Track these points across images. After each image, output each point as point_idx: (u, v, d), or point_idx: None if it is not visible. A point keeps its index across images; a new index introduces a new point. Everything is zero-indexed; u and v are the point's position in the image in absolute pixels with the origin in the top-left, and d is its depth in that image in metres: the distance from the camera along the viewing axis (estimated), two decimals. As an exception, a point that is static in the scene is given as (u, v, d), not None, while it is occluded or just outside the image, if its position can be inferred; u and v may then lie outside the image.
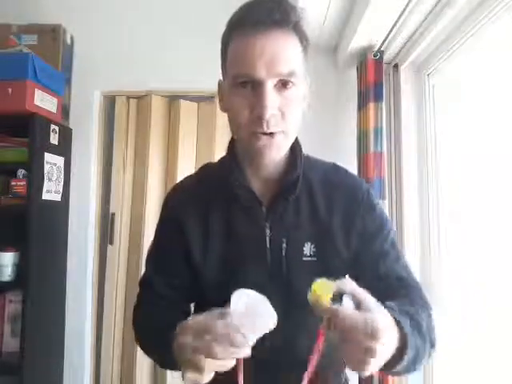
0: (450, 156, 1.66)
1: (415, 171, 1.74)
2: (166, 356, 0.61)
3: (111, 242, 1.99)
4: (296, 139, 0.77)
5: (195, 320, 0.57)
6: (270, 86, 0.65)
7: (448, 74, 1.63)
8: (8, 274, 1.64)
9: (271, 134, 0.67)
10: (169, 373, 1.87)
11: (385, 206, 1.60)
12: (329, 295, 0.53)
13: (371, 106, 1.62)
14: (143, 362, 1.91)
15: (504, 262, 1.36)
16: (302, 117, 0.72)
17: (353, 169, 1.70)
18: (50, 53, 1.84)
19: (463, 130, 1.61)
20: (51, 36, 1.87)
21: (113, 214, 1.99)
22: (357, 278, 0.66)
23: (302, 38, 0.69)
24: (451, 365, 1.58)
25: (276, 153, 0.70)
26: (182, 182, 0.88)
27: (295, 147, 0.77)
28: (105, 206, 2.03)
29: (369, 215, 0.78)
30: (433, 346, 0.66)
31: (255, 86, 0.65)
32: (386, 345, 0.51)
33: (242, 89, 0.66)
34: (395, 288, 0.74)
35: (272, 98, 0.65)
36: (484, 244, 1.46)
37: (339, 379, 0.85)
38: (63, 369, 1.87)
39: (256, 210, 0.76)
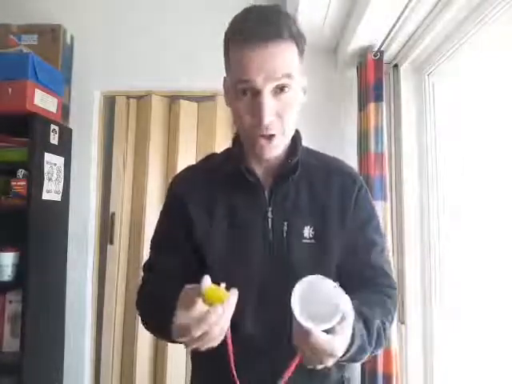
0: (450, 156, 1.66)
1: (415, 171, 1.74)
2: (165, 331, 0.65)
3: (111, 242, 1.99)
4: (296, 130, 0.81)
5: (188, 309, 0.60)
6: (267, 93, 0.69)
7: (448, 73, 1.63)
8: (8, 274, 1.64)
9: (270, 136, 0.72)
10: (168, 377, 1.87)
11: (385, 206, 1.60)
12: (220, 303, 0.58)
13: (372, 106, 1.62)
14: (143, 362, 1.91)
15: (504, 262, 1.36)
16: (299, 113, 0.76)
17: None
18: (50, 53, 1.84)
19: (463, 130, 1.61)
20: (51, 36, 1.86)
21: (113, 214, 2.00)
22: (342, 262, 0.80)
23: (299, 42, 0.72)
24: (451, 364, 1.58)
25: (274, 151, 0.76)
26: (186, 168, 0.93)
27: (295, 136, 0.82)
28: (105, 205, 2.03)
29: (363, 202, 0.84)
30: (380, 343, 0.73)
31: (254, 94, 0.70)
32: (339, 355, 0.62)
33: (242, 95, 0.71)
34: (377, 279, 0.83)
35: (269, 106, 0.69)
36: (484, 243, 1.46)
37: (338, 376, 0.86)
38: (63, 369, 1.87)
39: (259, 193, 0.80)
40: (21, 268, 1.65)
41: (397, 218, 1.74)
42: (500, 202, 1.39)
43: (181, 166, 1.97)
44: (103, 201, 2.04)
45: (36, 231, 1.64)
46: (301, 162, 0.80)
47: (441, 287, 1.64)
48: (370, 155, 1.61)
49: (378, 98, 1.63)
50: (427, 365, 1.65)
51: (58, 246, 1.86)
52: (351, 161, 1.72)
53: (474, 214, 1.52)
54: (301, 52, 0.74)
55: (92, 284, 1.97)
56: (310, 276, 0.61)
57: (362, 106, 1.68)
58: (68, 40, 1.95)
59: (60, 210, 1.86)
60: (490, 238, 1.43)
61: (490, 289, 1.41)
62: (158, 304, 0.72)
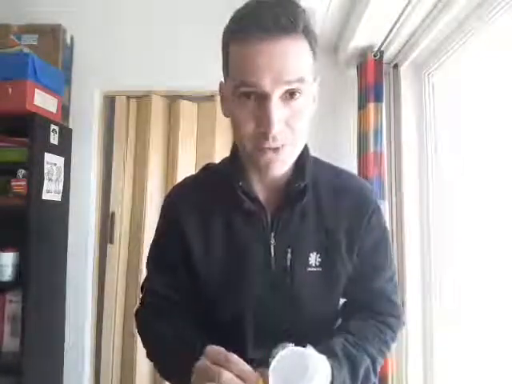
0: (450, 155, 1.66)
1: (415, 171, 1.74)
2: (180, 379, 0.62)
3: (111, 242, 1.99)
4: (305, 144, 0.72)
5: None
6: (275, 98, 0.59)
7: (448, 73, 1.63)
8: (8, 274, 1.63)
9: (278, 148, 0.63)
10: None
11: (385, 206, 1.60)
12: None
13: (371, 105, 1.62)
14: (144, 362, 1.91)
15: (505, 262, 1.36)
16: (310, 122, 0.68)
17: (353, 169, 1.70)
18: (50, 53, 1.84)
19: (463, 130, 1.61)
20: (51, 36, 1.86)
21: (113, 214, 2.00)
22: (347, 286, 0.75)
23: (312, 41, 0.63)
24: (451, 365, 1.58)
25: (282, 166, 0.66)
26: (182, 183, 0.84)
27: (303, 153, 0.72)
28: (105, 205, 2.03)
29: (374, 225, 0.77)
30: (368, 381, 0.69)
31: (260, 98, 0.60)
32: None
33: (245, 100, 0.61)
34: (381, 307, 0.78)
35: (278, 113, 0.59)
36: (485, 243, 1.46)
37: None
38: (63, 369, 1.87)
39: (260, 217, 0.72)
40: (21, 268, 1.65)
41: (397, 218, 1.74)
42: (501, 202, 1.39)
43: (181, 166, 1.97)
44: (103, 201, 2.04)
45: (36, 231, 1.64)
46: (309, 185, 0.71)
47: (441, 287, 1.64)
48: (369, 155, 1.62)
49: (378, 98, 1.63)
50: (427, 365, 1.65)
51: (57, 246, 1.86)
52: (351, 161, 1.73)
53: (475, 214, 1.52)
54: (314, 54, 0.65)
55: (92, 284, 1.97)
56: (285, 350, 0.55)
57: (362, 105, 1.68)
58: (68, 40, 1.95)
59: (60, 209, 1.86)
60: (491, 238, 1.43)
61: (491, 289, 1.41)
62: (169, 353, 0.69)
